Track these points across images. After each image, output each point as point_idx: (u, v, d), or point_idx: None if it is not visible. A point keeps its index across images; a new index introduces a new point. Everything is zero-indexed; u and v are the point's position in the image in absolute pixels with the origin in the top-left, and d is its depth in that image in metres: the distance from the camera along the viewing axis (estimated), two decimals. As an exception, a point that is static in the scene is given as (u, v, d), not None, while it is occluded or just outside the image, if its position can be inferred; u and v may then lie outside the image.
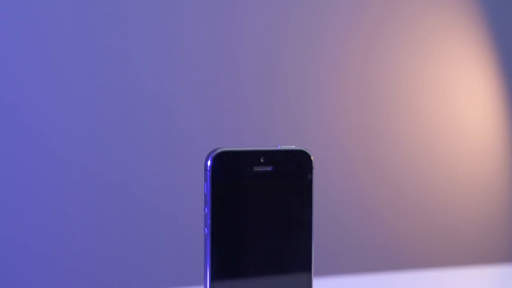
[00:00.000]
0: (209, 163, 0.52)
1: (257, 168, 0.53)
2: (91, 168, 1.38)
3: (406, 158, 1.69)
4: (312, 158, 0.55)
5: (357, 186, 1.64)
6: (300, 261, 0.54)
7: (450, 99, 1.75)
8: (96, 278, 1.38)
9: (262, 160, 0.53)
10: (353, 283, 0.96)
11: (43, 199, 1.34)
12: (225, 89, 1.51)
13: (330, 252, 1.59)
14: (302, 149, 0.55)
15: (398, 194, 1.69)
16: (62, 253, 1.36)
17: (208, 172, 0.52)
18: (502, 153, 1.81)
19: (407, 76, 1.70)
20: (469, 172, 1.77)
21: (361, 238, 1.64)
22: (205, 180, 0.52)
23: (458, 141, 1.75)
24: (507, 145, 1.81)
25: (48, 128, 1.35)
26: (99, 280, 1.38)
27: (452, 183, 1.75)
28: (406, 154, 1.69)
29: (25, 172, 1.33)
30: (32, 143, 1.34)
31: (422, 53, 1.72)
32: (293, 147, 0.55)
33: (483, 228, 1.79)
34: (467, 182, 1.76)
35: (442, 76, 1.74)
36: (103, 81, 1.39)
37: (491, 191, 1.79)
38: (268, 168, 0.53)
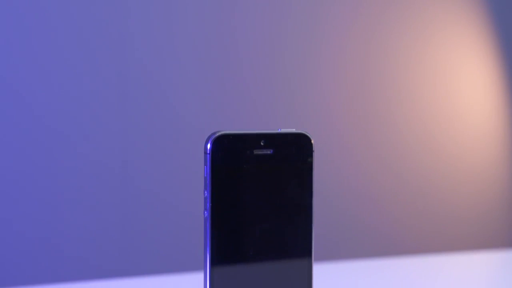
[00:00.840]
0: (208, 146, 0.52)
1: (257, 151, 0.53)
2: (90, 154, 1.37)
3: (406, 144, 1.69)
4: (312, 141, 0.55)
5: (357, 170, 1.64)
6: (300, 244, 0.54)
7: (451, 86, 1.74)
8: (95, 263, 1.38)
9: (262, 143, 0.53)
10: (353, 269, 0.96)
11: (42, 185, 1.34)
12: (225, 72, 1.50)
13: (330, 237, 1.59)
14: (303, 132, 0.54)
15: (397, 178, 1.69)
16: (61, 239, 1.36)
17: (207, 155, 0.52)
18: (502, 140, 1.80)
19: (408, 63, 1.70)
20: (469, 159, 1.76)
21: (361, 222, 1.64)
22: (205, 164, 0.52)
23: (458, 128, 1.75)
24: (507, 132, 1.81)
25: (47, 113, 1.34)
26: (99, 266, 1.38)
27: (452, 170, 1.75)
28: (406, 141, 1.69)
29: (24, 158, 1.33)
30: (29, 128, 1.33)
31: (423, 40, 1.71)
32: (293, 130, 0.54)
33: (483, 215, 1.79)
34: (467, 169, 1.76)
35: (443, 63, 1.73)
36: (103, 67, 1.38)
37: (491, 178, 1.79)
38: (268, 151, 0.53)
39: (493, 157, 1.79)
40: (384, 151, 1.67)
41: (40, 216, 1.34)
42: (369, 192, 1.65)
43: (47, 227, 1.35)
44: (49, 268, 1.34)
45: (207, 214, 0.52)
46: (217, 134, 0.52)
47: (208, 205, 0.52)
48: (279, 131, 0.54)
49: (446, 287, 0.83)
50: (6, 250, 1.31)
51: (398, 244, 1.68)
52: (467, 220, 1.76)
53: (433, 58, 1.72)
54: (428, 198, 1.72)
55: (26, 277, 1.32)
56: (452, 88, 1.75)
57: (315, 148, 0.55)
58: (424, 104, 1.71)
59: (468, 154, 1.76)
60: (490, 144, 1.79)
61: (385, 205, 1.67)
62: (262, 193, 0.53)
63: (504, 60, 1.80)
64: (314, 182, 0.55)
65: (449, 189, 1.74)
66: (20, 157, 1.32)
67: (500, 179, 1.81)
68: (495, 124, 1.79)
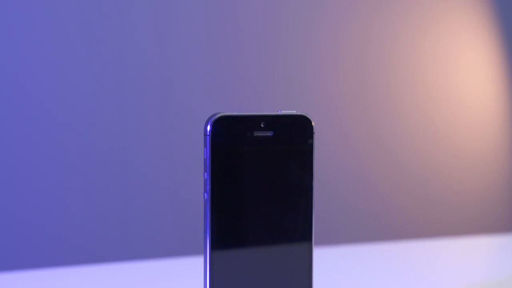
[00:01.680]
0: (208, 128, 0.51)
1: (257, 133, 0.53)
2: (89, 134, 1.37)
3: (406, 130, 1.69)
4: (313, 123, 0.54)
5: (358, 154, 1.64)
6: (300, 227, 0.54)
7: (452, 71, 1.74)
8: (94, 247, 1.38)
9: (262, 125, 0.53)
10: (354, 253, 0.96)
11: (41, 164, 1.34)
12: (225, 54, 1.49)
13: (329, 221, 1.59)
14: (303, 114, 0.54)
15: (398, 164, 1.69)
16: (59, 223, 1.36)
17: (207, 137, 0.51)
18: (503, 128, 1.80)
19: (408, 47, 1.69)
20: (470, 146, 1.76)
21: (361, 205, 1.64)
22: (205, 145, 0.52)
23: (458, 112, 1.75)
24: (508, 116, 1.80)
25: (46, 93, 1.34)
26: (97, 249, 1.38)
27: (452, 156, 1.75)
28: (406, 126, 1.69)
29: (22, 137, 1.33)
30: (28, 106, 1.33)
31: (425, 25, 1.70)
32: (293, 112, 0.54)
33: (483, 201, 1.79)
34: (467, 155, 1.76)
35: (444, 47, 1.73)
36: (102, 47, 1.38)
37: (492, 164, 1.79)
38: (269, 133, 0.53)
39: (494, 144, 1.79)
40: (384, 137, 1.67)
41: (39, 199, 1.34)
42: (370, 176, 1.65)
43: (46, 211, 1.35)
44: (48, 252, 1.34)
45: (207, 196, 0.52)
46: (217, 116, 0.52)
47: (208, 187, 0.52)
48: (279, 113, 0.54)
49: (446, 270, 0.83)
50: (6, 235, 1.31)
51: (398, 229, 1.68)
52: (468, 206, 1.77)
53: (435, 44, 1.71)
54: (428, 183, 1.72)
55: (26, 261, 1.32)
56: (453, 75, 1.74)
57: (315, 130, 0.54)
58: (425, 90, 1.71)
59: (469, 139, 1.76)
60: (491, 128, 1.78)
61: (385, 190, 1.67)
62: (262, 175, 0.53)
63: (506, 47, 1.79)
64: (315, 164, 0.54)
65: (449, 175, 1.74)
66: (18, 144, 1.32)
67: (501, 166, 1.81)
68: (496, 111, 1.79)
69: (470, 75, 1.76)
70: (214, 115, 0.52)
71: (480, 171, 1.78)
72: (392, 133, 1.67)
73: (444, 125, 1.73)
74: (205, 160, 0.52)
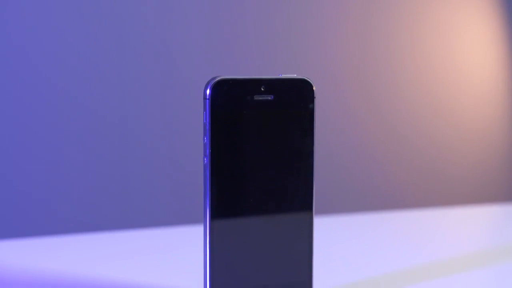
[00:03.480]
0: (208, 91, 0.51)
1: (258, 97, 0.52)
2: (88, 99, 1.37)
3: (407, 100, 1.68)
4: (314, 87, 0.54)
5: (358, 122, 1.63)
6: (301, 192, 0.54)
7: (454, 44, 1.73)
8: (93, 216, 1.38)
9: (262, 89, 0.52)
10: (354, 221, 0.96)
11: (40, 137, 1.33)
12: (226, 17, 1.48)
13: (329, 188, 1.59)
14: (304, 77, 0.53)
15: (398, 133, 1.68)
16: (60, 191, 1.36)
17: (207, 101, 0.51)
18: (503, 95, 1.80)
19: (411, 18, 1.68)
20: (469, 115, 1.76)
21: (362, 174, 1.64)
22: (204, 109, 0.51)
23: (460, 86, 1.74)
24: (509, 87, 1.80)
25: (44, 57, 1.33)
26: (96, 218, 1.38)
27: (453, 127, 1.74)
28: (407, 97, 1.68)
29: (22, 103, 1.32)
30: (26, 71, 1.32)
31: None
32: (294, 75, 0.53)
33: (483, 172, 1.79)
34: (468, 126, 1.76)
35: (446, 20, 1.72)
36: (100, 9, 1.36)
37: (492, 133, 1.79)
38: (269, 97, 0.52)
39: (494, 115, 1.79)
40: (385, 106, 1.66)
41: (39, 168, 1.34)
42: (370, 145, 1.65)
43: (46, 179, 1.34)
44: (47, 220, 1.35)
45: (206, 160, 0.51)
46: (217, 79, 0.51)
47: (208, 151, 0.51)
48: (280, 76, 0.53)
49: (446, 239, 0.83)
50: (6, 203, 1.31)
51: (399, 198, 1.68)
52: (467, 176, 1.77)
53: (437, 15, 1.70)
54: (428, 153, 1.71)
55: (25, 229, 1.32)
56: (455, 47, 1.73)
57: (316, 94, 0.54)
58: (426, 61, 1.70)
59: (469, 111, 1.75)
60: (492, 102, 1.78)
61: (386, 159, 1.67)
62: (262, 140, 0.52)
63: (509, 19, 1.78)
64: (315, 129, 0.54)
65: (450, 146, 1.74)
66: (18, 112, 1.32)
67: (501, 136, 1.80)
68: (497, 82, 1.78)
69: (472, 46, 1.75)
70: (214, 78, 0.51)
71: (480, 142, 1.78)
72: (393, 102, 1.67)
73: (445, 96, 1.72)
74: (204, 124, 0.51)
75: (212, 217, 0.51)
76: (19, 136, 1.32)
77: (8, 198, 1.32)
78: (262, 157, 0.52)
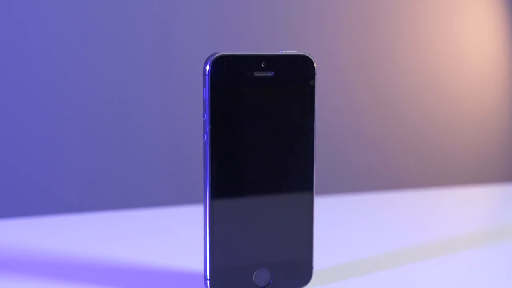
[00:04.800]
0: (207, 67, 0.50)
1: (258, 73, 0.51)
2: (86, 76, 1.36)
3: (407, 81, 1.68)
4: (315, 64, 0.53)
5: (358, 102, 1.63)
6: (302, 169, 0.53)
7: (455, 24, 1.72)
8: (92, 196, 1.38)
9: (263, 65, 0.52)
10: (354, 202, 0.96)
11: (39, 107, 1.33)
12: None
13: (329, 168, 1.59)
14: (305, 54, 0.53)
15: (398, 111, 1.68)
16: (59, 170, 1.35)
17: (207, 77, 0.50)
18: (503, 79, 1.79)
19: (413, 1, 1.67)
20: (469, 97, 1.75)
21: (362, 154, 1.64)
22: (204, 86, 0.51)
23: (460, 65, 1.73)
24: (509, 71, 1.79)
25: (42, 37, 1.32)
26: (96, 197, 1.38)
27: (453, 108, 1.74)
28: (408, 77, 1.68)
29: (20, 88, 1.31)
30: (24, 53, 1.32)
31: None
32: (295, 52, 0.53)
33: (483, 152, 1.79)
34: (468, 107, 1.75)
35: (448, 2, 1.70)
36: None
37: (491, 115, 1.79)
38: (269, 73, 0.52)
39: (494, 96, 1.78)
40: (385, 88, 1.65)
41: (38, 147, 1.33)
42: (370, 126, 1.64)
43: (44, 158, 1.34)
44: (46, 199, 1.34)
45: (206, 137, 0.51)
46: (217, 55, 0.50)
47: (208, 128, 0.51)
48: (280, 52, 0.52)
49: (445, 219, 0.83)
50: (5, 183, 1.31)
51: (399, 179, 1.68)
52: (467, 158, 1.76)
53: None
54: (428, 133, 1.71)
55: (24, 209, 1.32)
56: (456, 27, 1.72)
57: (317, 71, 0.53)
58: (427, 41, 1.69)
59: (469, 91, 1.75)
60: (491, 83, 1.77)
61: (386, 139, 1.66)
62: (263, 116, 0.52)
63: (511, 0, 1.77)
64: (316, 107, 0.53)
65: (449, 126, 1.74)
66: (16, 87, 1.31)
67: (501, 117, 1.80)
68: (498, 63, 1.77)
69: (473, 27, 1.74)
70: (214, 54, 0.51)
71: (480, 123, 1.77)
72: (393, 82, 1.66)
73: (445, 76, 1.72)
74: (204, 101, 0.51)
75: (212, 195, 0.51)
76: (17, 115, 1.32)
77: (6, 177, 1.32)
78: (262, 134, 0.52)
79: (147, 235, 0.72)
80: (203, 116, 0.51)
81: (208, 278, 0.51)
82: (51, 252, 0.64)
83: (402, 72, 1.67)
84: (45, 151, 1.34)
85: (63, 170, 1.36)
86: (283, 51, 0.53)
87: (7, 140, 1.31)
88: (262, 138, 0.52)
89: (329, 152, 1.59)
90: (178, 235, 0.72)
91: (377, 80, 1.64)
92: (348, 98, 1.61)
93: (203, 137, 0.51)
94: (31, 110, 1.32)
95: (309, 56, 0.53)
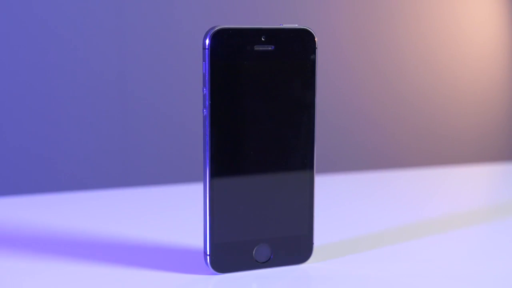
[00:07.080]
0: (207, 41, 0.50)
1: (258, 47, 0.51)
2: (86, 47, 1.35)
3: (408, 59, 1.67)
4: (316, 38, 0.52)
5: (359, 80, 1.62)
6: (302, 144, 0.53)
7: (457, 4, 1.70)
8: (93, 174, 1.38)
9: (263, 39, 0.51)
10: (355, 180, 0.96)
11: (41, 86, 1.33)
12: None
13: (330, 146, 1.59)
14: (305, 27, 0.52)
15: (398, 89, 1.67)
16: (60, 149, 1.35)
17: (206, 51, 0.50)
18: (504, 59, 1.78)
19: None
20: (471, 76, 1.75)
21: (363, 132, 1.63)
22: (204, 60, 0.50)
23: (461, 45, 1.73)
24: (510, 50, 1.78)
25: (41, 19, 1.31)
26: (96, 175, 1.38)
27: (454, 88, 1.73)
28: (408, 55, 1.67)
29: (22, 61, 1.31)
30: (23, 34, 1.31)
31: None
32: (296, 25, 0.52)
33: (484, 131, 1.78)
34: (468, 87, 1.75)
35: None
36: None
37: (492, 95, 1.78)
38: (269, 47, 0.51)
39: (495, 75, 1.77)
40: (386, 66, 1.64)
41: (39, 127, 1.33)
42: (371, 104, 1.64)
43: (45, 137, 1.34)
44: (47, 178, 1.34)
45: (206, 112, 0.50)
46: (216, 29, 0.50)
47: (207, 102, 0.50)
48: (281, 26, 0.52)
49: (446, 197, 0.82)
50: (7, 161, 1.31)
51: (400, 157, 1.68)
52: (469, 137, 1.76)
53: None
54: (430, 112, 1.71)
55: (26, 186, 1.32)
56: (458, 7, 1.71)
57: (318, 45, 0.53)
58: (429, 20, 1.68)
59: (470, 70, 1.74)
60: (492, 63, 1.76)
61: (387, 118, 1.66)
62: (263, 91, 0.51)
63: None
64: (317, 81, 0.53)
65: (451, 106, 1.73)
66: (15, 69, 1.30)
67: (501, 97, 1.79)
68: (498, 43, 1.76)
69: (474, 8, 1.73)
70: (213, 28, 0.50)
71: (481, 102, 1.77)
72: (394, 61, 1.65)
73: (447, 55, 1.71)
74: (204, 75, 0.50)
75: (212, 170, 0.51)
76: (19, 93, 1.31)
77: (8, 156, 1.31)
78: (262, 108, 0.51)
79: (148, 213, 0.72)
80: (203, 90, 0.51)
81: (208, 253, 0.51)
82: (53, 230, 0.64)
83: (404, 51, 1.66)
84: (46, 129, 1.34)
85: (64, 148, 1.35)
86: (284, 25, 0.52)
87: (7, 118, 1.31)
88: (262, 113, 0.51)
89: (329, 130, 1.58)
90: (179, 212, 0.72)
91: (379, 57, 1.63)
92: (349, 75, 1.61)
93: (203, 111, 0.51)
94: (32, 87, 1.32)
95: (310, 30, 0.52)
